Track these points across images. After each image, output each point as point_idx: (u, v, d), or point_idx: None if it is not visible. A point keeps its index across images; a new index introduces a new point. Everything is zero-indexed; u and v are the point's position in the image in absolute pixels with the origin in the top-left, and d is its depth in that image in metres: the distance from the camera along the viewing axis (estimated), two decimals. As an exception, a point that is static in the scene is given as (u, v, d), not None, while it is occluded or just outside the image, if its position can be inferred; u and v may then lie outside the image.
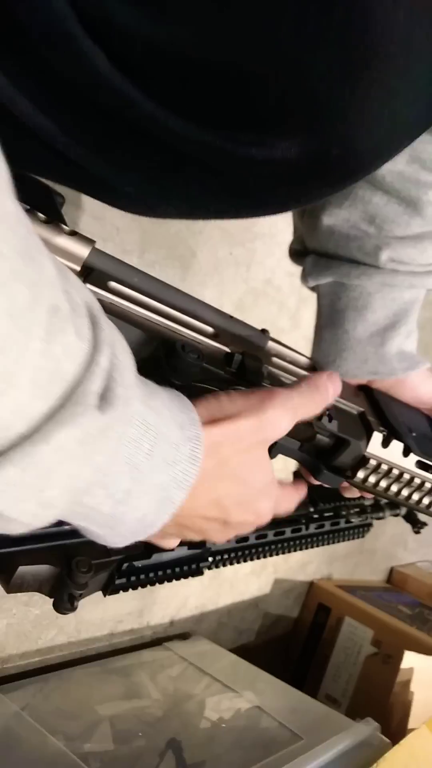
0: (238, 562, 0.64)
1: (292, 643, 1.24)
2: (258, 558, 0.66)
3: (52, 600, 0.51)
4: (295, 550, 0.70)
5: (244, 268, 0.88)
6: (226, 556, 0.62)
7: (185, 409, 0.29)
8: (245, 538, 0.64)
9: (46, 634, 0.77)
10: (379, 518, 0.80)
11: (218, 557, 0.61)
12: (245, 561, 0.65)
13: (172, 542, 0.38)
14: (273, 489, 0.35)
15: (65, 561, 0.50)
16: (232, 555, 0.63)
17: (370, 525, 0.79)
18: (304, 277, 0.45)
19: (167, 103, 0.19)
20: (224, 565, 0.63)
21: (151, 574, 0.55)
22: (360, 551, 1.38)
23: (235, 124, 0.20)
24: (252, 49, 0.18)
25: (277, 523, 0.69)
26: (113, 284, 0.36)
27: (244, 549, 0.64)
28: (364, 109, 0.20)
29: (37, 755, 0.60)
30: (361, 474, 0.43)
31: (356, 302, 0.43)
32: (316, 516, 0.73)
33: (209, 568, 0.61)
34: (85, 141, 0.20)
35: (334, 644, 1.17)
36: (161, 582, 0.57)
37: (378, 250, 0.41)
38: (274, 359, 0.42)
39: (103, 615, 0.84)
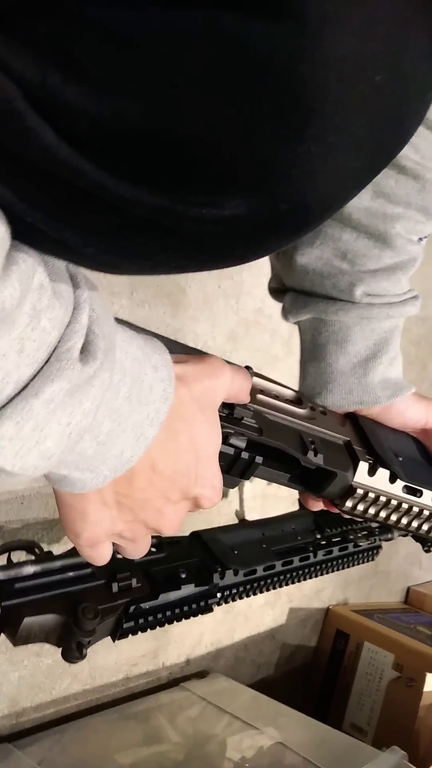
0: (248, 596, 0.64)
1: (312, 673, 1.22)
2: (268, 590, 0.66)
3: (60, 649, 0.51)
4: (305, 579, 0.70)
5: (234, 300, 0.89)
6: (234, 591, 0.62)
7: (158, 350, 0.31)
8: (253, 571, 0.63)
9: (59, 683, 0.76)
10: (387, 539, 0.80)
11: (227, 592, 0.61)
12: (255, 594, 0.64)
13: (107, 552, 0.37)
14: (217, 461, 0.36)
15: (71, 608, 0.50)
16: (241, 589, 0.62)
17: (379, 547, 0.78)
18: (285, 314, 0.46)
19: (117, 172, 0.20)
20: (233, 600, 0.62)
21: (159, 615, 0.55)
22: (374, 573, 1.37)
23: (184, 188, 0.21)
24: (197, 119, 0.19)
25: (284, 552, 0.68)
26: None
27: (252, 582, 0.63)
28: (306, 166, 0.21)
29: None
30: (349, 503, 0.44)
31: (336, 336, 0.43)
32: (323, 542, 0.72)
33: (218, 604, 0.60)
34: (42, 206, 0.21)
35: (355, 671, 1.15)
36: (170, 622, 0.56)
37: (352, 286, 0.42)
38: (259, 396, 0.42)
39: (117, 659, 0.83)
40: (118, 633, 0.53)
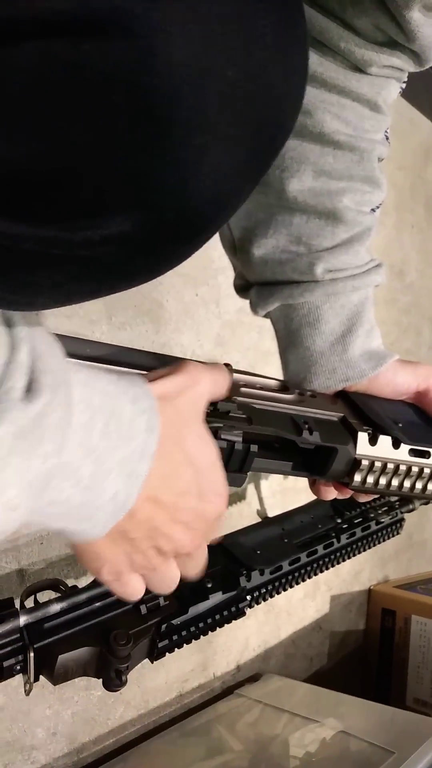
0: (278, 593, 0.64)
1: (366, 656, 1.21)
2: (297, 583, 0.66)
3: (101, 681, 0.51)
4: (333, 565, 0.69)
5: (214, 305, 0.89)
6: (264, 590, 0.62)
7: (136, 383, 0.30)
8: (279, 567, 0.63)
9: (114, 713, 0.76)
10: (410, 511, 0.79)
11: (256, 593, 0.61)
12: (285, 589, 0.64)
13: (136, 584, 0.36)
14: (220, 466, 0.36)
15: (103, 638, 0.50)
16: (270, 587, 0.62)
17: (402, 520, 0.78)
18: (253, 308, 0.46)
19: None
20: (264, 600, 0.62)
21: (193, 629, 0.55)
22: (410, 545, 1.36)
23: (62, 216, 0.21)
24: (55, 149, 0.19)
25: (307, 543, 0.68)
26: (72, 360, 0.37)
27: (280, 578, 0.63)
28: (180, 172, 0.21)
29: None
30: (357, 477, 0.43)
31: (308, 318, 0.43)
32: (345, 526, 0.72)
33: (250, 606, 0.61)
34: None
35: (407, 646, 1.14)
36: (205, 633, 0.56)
37: (312, 266, 0.42)
38: (243, 389, 0.42)
39: (167, 678, 0.83)
40: (154, 653, 0.53)
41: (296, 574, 0.65)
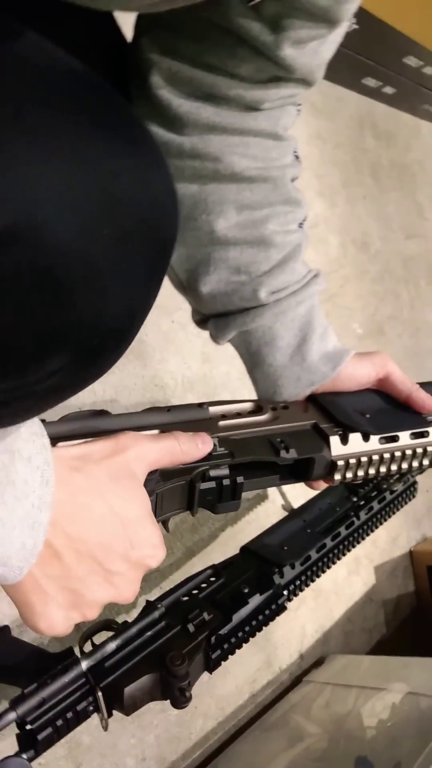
0: (313, 581, 0.67)
1: (422, 615, 1.25)
2: (329, 567, 0.69)
3: (168, 702, 0.55)
4: (358, 542, 0.73)
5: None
6: (298, 582, 0.66)
7: (32, 439, 0.32)
8: (307, 558, 0.67)
9: (194, 726, 0.80)
10: (420, 472, 0.83)
11: (292, 587, 0.65)
12: (319, 576, 0.68)
13: (60, 623, 0.39)
14: (150, 521, 0.38)
15: (159, 663, 0.54)
16: (304, 578, 0.66)
17: (414, 483, 0.82)
18: (214, 339, 0.50)
19: None
20: (301, 590, 0.66)
21: (240, 634, 0.59)
22: (439, 499, 1.39)
23: (15, 369, 0.25)
24: (6, 328, 0.23)
25: (330, 528, 0.72)
26: (60, 444, 0.41)
27: (311, 567, 0.67)
28: (91, 314, 0.25)
29: None
30: (337, 476, 0.47)
31: (264, 339, 0.47)
32: (362, 503, 0.76)
33: (289, 600, 0.64)
34: None
35: (460, 596, 1.17)
36: (253, 635, 0.60)
37: (256, 292, 0.46)
38: (221, 423, 0.46)
39: (236, 683, 0.87)
40: (210, 665, 0.57)
41: (325, 559, 0.69)
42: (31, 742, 0.50)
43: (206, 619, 0.59)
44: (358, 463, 0.48)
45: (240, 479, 0.43)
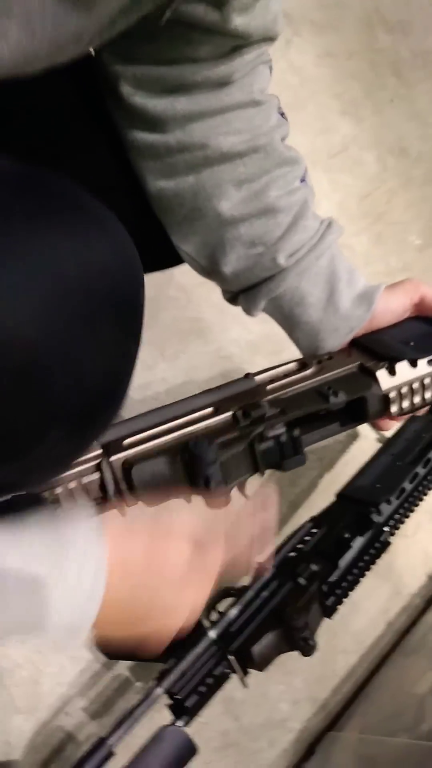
0: (412, 511, 0.68)
1: None
2: (425, 494, 0.70)
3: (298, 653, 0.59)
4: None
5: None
6: (397, 516, 0.67)
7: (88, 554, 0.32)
8: (402, 490, 0.68)
9: (337, 664, 0.84)
10: None
11: (391, 522, 0.66)
12: (417, 504, 0.69)
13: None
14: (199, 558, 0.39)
15: (280, 620, 0.58)
16: (402, 511, 0.67)
17: None
18: (247, 312, 0.51)
19: None
20: (402, 523, 0.67)
21: (350, 577, 0.61)
22: None
23: (21, 451, 0.28)
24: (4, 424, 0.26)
25: (419, 456, 0.72)
26: (127, 441, 0.44)
27: (407, 498, 0.68)
28: (75, 393, 0.28)
29: (393, 757, 0.66)
30: (394, 408, 0.48)
31: (293, 300, 0.48)
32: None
33: (391, 534, 0.66)
34: None
35: None
36: (362, 576, 0.62)
37: (275, 259, 0.46)
38: (270, 386, 0.48)
39: (369, 615, 0.90)
40: (329, 612, 0.60)
41: (420, 488, 0.69)
42: (181, 710, 0.56)
43: (314, 570, 0.61)
44: (412, 391, 0.48)
45: (297, 432, 0.45)
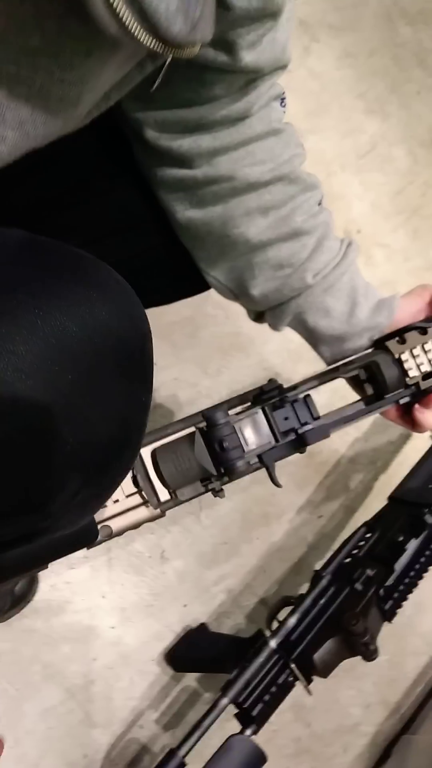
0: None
1: None
2: None
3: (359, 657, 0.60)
4: None
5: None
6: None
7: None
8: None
9: (407, 666, 0.84)
10: None
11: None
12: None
13: None
14: None
15: (338, 626, 0.59)
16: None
17: None
18: (273, 327, 0.52)
19: None
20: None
21: (407, 579, 0.61)
22: None
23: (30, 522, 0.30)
24: (17, 494, 0.29)
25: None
26: (156, 435, 0.47)
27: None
28: (88, 450, 0.30)
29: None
30: (412, 371, 0.50)
31: (318, 315, 0.49)
32: None
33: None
34: None
35: None
36: (420, 578, 0.62)
37: (303, 279, 0.48)
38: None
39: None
40: (388, 615, 0.61)
41: None
42: (248, 719, 0.57)
43: (371, 575, 0.62)
44: (424, 351, 0.50)
45: (307, 394, 0.49)
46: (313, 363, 0.54)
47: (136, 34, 0.28)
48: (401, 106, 1.31)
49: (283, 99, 0.47)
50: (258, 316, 0.53)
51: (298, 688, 0.62)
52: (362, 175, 1.21)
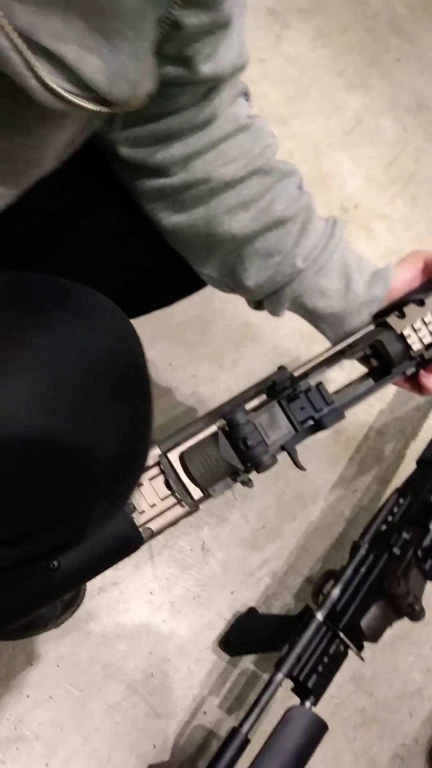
0: None
1: None
2: None
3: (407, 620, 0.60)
4: None
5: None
6: None
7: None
8: None
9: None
10: None
11: None
12: None
13: None
14: None
15: (381, 592, 0.60)
16: None
17: None
18: (272, 313, 0.54)
19: None
20: None
21: (444, 538, 0.62)
22: None
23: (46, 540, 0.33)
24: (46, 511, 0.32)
25: None
26: (180, 439, 0.49)
27: None
28: (98, 460, 0.33)
29: None
30: (415, 345, 0.51)
31: (315, 296, 0.50)
32: None
33: None
34: None
35: None
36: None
37: (293, 265, 0.49)
38: (300, 371, 0.51)
39: None
40: (430, 574, 0.61)
41: None
42: (305, 691, 0.59)
43: (407, 538, 0.63)
44: (425, 323, 0.51)
45: (317, 382, 0.50)
46: (327, 342, 0.56)
47: (79, 103, 0.31)
48: (382, 77, 1.31)
49: (246, 94, 0.49)
50: (258, 305, 0.55)
51: (354, 658, 0.63)
52: (351, 150, 1.21)
